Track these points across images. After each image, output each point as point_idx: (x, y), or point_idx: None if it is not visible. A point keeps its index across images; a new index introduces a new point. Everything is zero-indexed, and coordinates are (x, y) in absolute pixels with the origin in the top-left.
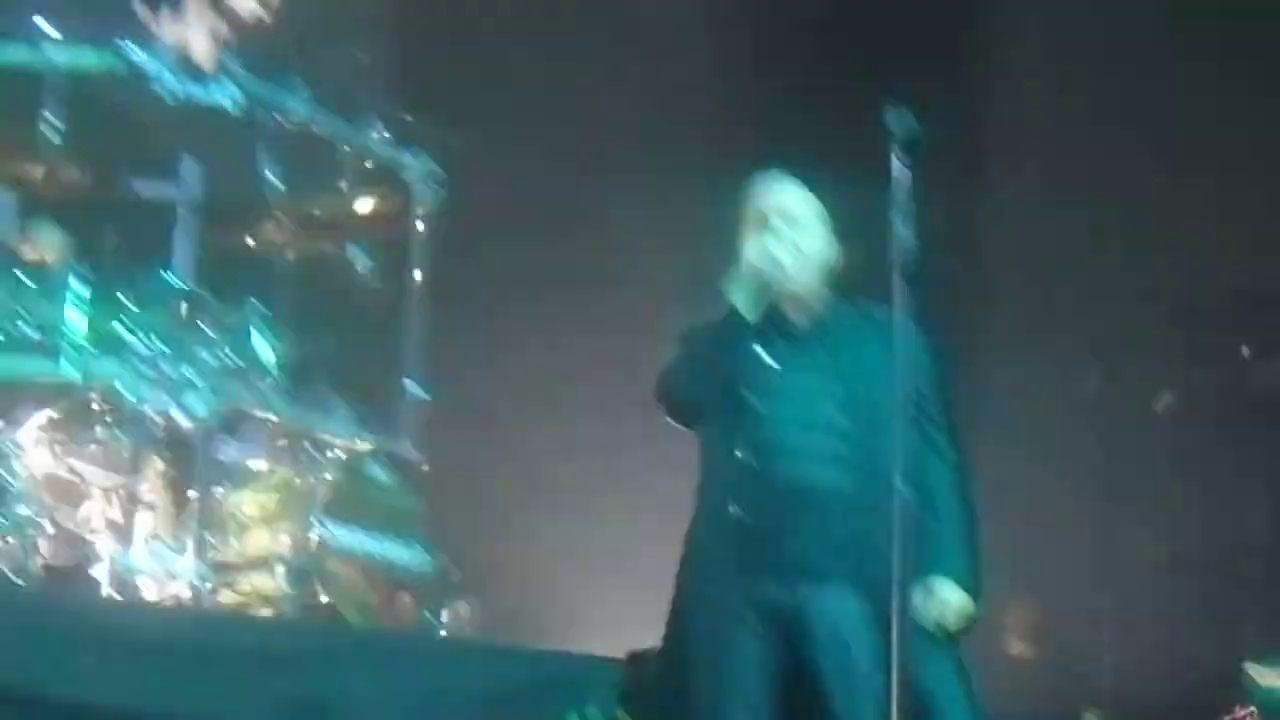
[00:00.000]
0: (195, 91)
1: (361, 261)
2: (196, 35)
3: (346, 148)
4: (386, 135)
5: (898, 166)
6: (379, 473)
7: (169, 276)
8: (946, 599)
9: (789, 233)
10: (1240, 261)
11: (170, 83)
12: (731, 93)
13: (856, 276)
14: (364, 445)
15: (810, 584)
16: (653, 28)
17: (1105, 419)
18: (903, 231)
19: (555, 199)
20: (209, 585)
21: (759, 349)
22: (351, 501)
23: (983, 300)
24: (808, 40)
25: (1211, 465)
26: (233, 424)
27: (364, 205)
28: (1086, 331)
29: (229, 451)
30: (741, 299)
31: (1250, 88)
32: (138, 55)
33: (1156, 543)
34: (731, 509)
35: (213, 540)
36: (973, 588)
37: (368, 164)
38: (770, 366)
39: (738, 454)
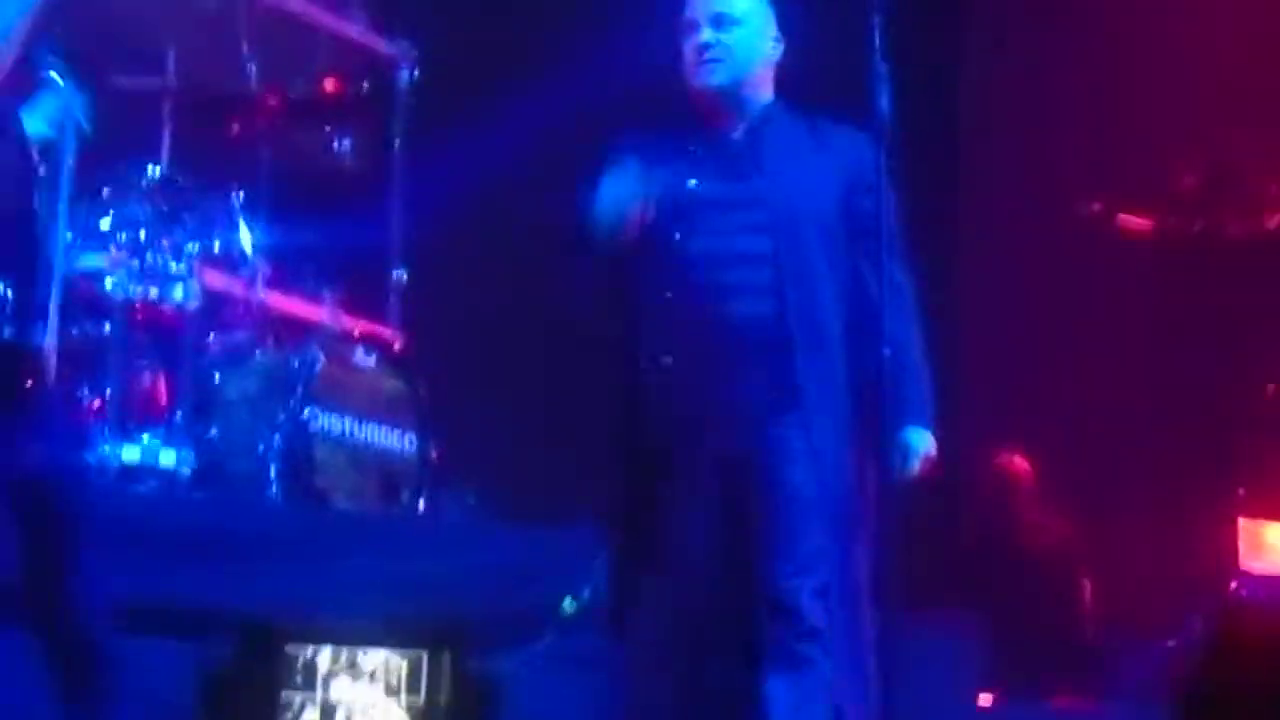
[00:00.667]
0: None
1: (342, 145)
2: None
3: (325, 32)
4: (365, 18)
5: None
6: (365, 358)
7: (150, 167)
8: (918, 448)
9: (716, 33)
10: None
11: None
12: None
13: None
14: (349, 329)
15: (758, 430)
16: None
17: None
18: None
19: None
20: (195, 468)
21: (681, 170)
22: (338, 386)
23: None
24: None
25: None
26: (216, 310)
27: (342, 88)
28: None
29: (213, 338)
30: (665, 113)
31: None
32: None
33: None
34: (667, 358)
35: (199, 425)
36: (932, 428)
37: (346, 47)
38: (693, 191)
39: (665, 294)
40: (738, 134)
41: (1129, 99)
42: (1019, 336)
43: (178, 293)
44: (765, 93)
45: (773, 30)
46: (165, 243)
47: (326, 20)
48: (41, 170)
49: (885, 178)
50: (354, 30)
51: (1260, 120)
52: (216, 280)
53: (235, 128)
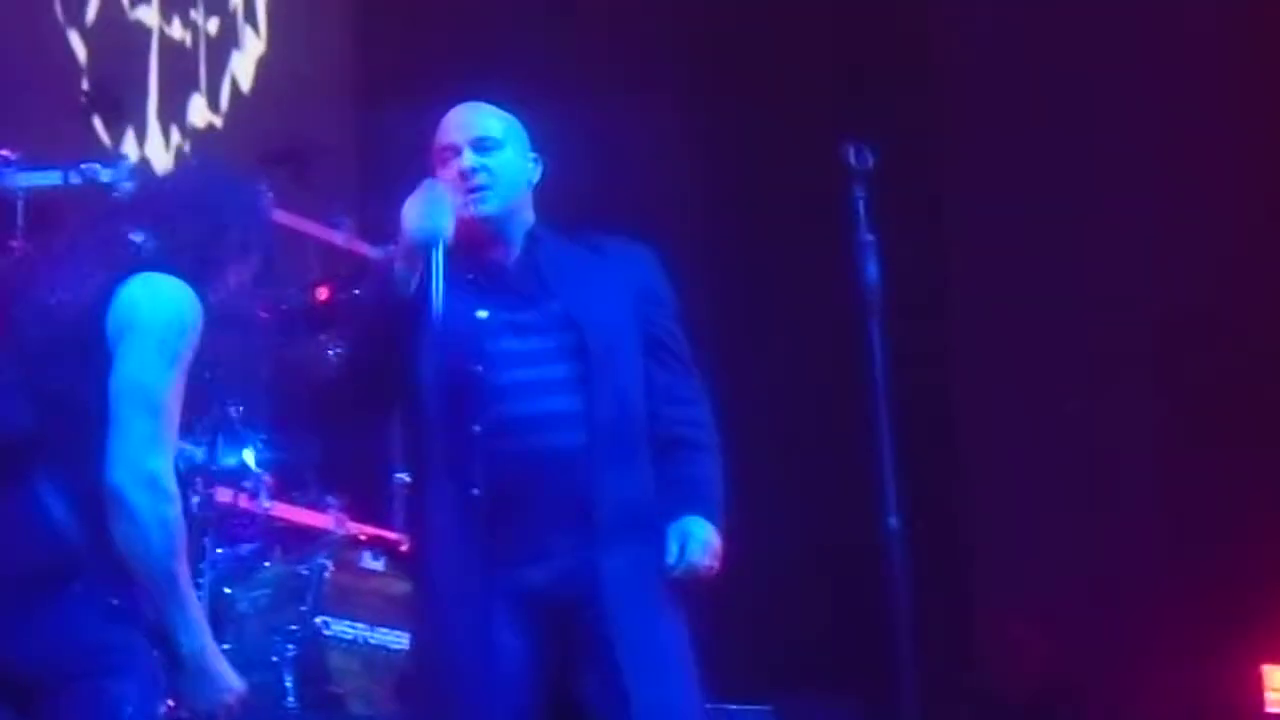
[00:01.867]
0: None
1: (337, 354)
2: (156, 150)
3: (313, 241)
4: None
5: (857, 199)
6: (373, 561)
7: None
8: (699, 536)
9: (480, 158)
10: None
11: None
12: None
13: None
14: (355, 534)
15: (574, 560)
16: None
17: None
18: (870, 267)
19: None
20: None
21: (467, 301)
22: (348, 592)
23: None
24: None
25: None
26: (222, 524)
27: (333, 296)
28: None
29: (221, 552)
30: (404, 281)
31: None
32: (100, 173)
33: None
34: (475, 490)
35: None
36: (719, 524)
37: (335, 255)
38: (485, 322)
39: (474, 427)
40: (511, 261)
41: None
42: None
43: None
44: (529, 215)
45: (530, 151)
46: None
47: (313, 229)
48: None
49: (670, 290)
50: (340, 238)
51: None
52: (221, 494)
53: (228, 342)
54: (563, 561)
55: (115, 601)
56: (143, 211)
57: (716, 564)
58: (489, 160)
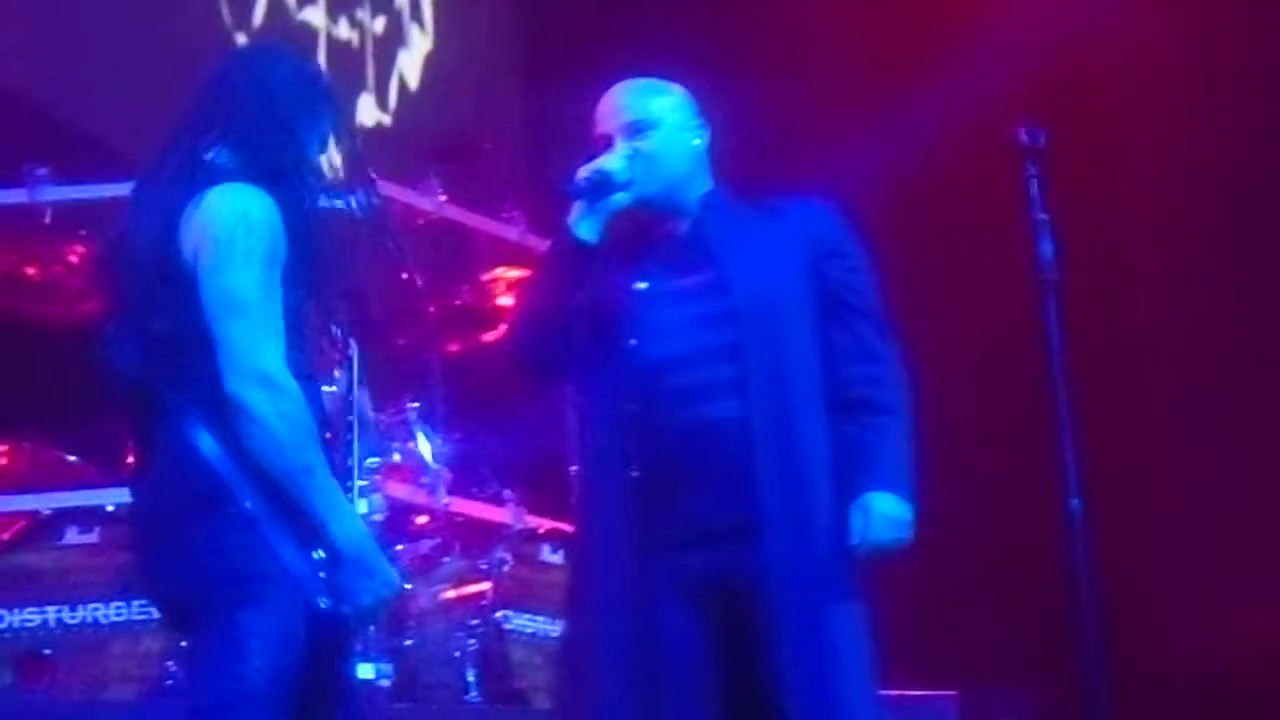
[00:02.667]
0: (331, 200)
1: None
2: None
3: (485, 236)
4: (523, 218)
5: (1030, 179)
6: (551, 554)
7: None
8: (883, 513)
9: (634, 143)
10: None
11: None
12: None
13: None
14: (533, 527)
15: (738, 541)
16: None
17: None
18: (1044, 246)
19: None
20: (394, 680)
21: (627, 274)
22: (528, 585)
23: None
24: None
25: None
26: (402, 521)
27: (504, 290)
28: None
29: (401, 549)
30: (582, 224)
31: None
32: None
33: None
34: (634, 472)
35: (394, 637)
36: (909, 497)
37: (507, 249)
38: (642, 293)
39: (628, 405)
40: (682, 230)
41: None
42: None
43: (362, 506)
44: (702, 182)
45: (693, 120)
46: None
47: (486, 224)
48: None
49: (854, 242)
50: (513, 232)
51: None
52: (399, 491)
53: (402, 340)
54: (725, 541)
55: (260, 523)
56: (209, 122)
57: (907, 536)
58: (642, 144)
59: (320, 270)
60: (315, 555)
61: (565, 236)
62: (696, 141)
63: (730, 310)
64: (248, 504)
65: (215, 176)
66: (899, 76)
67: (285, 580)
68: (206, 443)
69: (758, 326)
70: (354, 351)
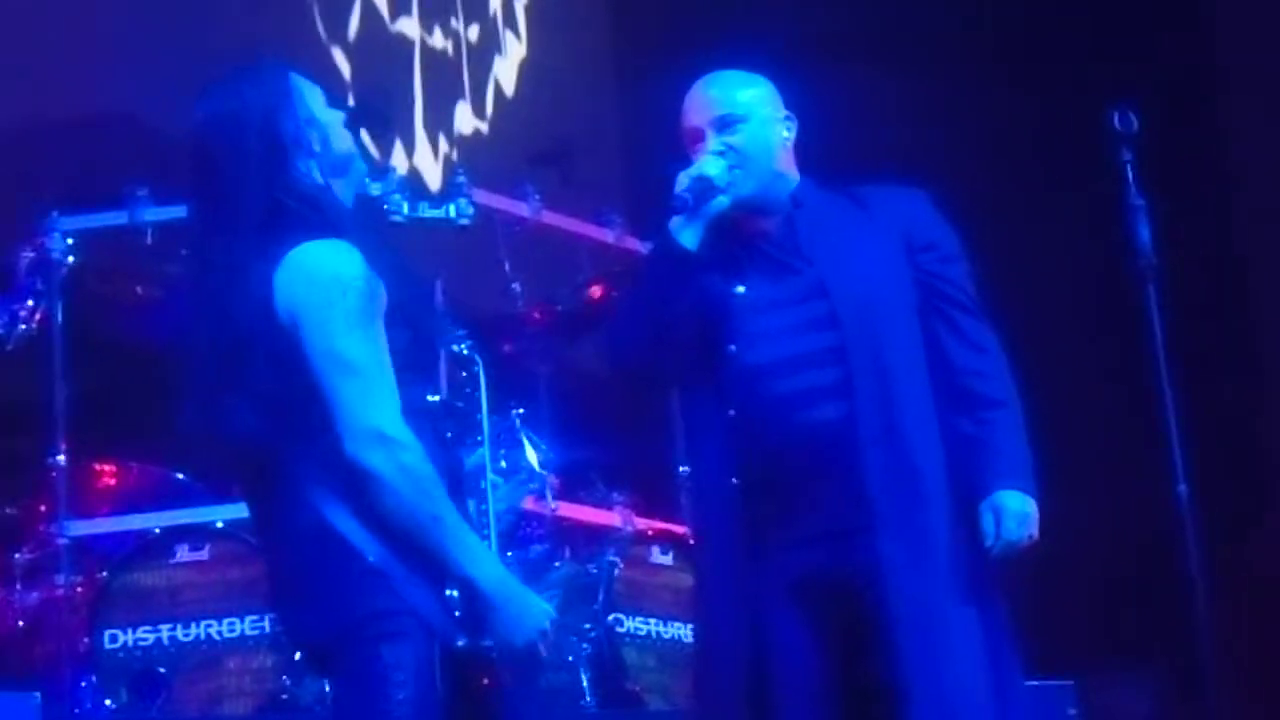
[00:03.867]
0: (429, 210)
1: None
2: (425, 160)
3: (585, 241)
4: (621, 221)
5: (1125, 163)
6: (661, 556)
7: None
8: (1014, 511)
9: (725, 138)
10: None
11: (400, 204)
12: None
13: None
14: (643, 530)
15: (850, 541)
16: None
17: None
18: (1142, 231)
19: None
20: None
21: (724, 277)
22: (639, 588)
23: None
24: None
25: None
26: (511, 528)
27: (607, 295)
28: None
29: (511, 555)
30: (684, 231)
31: None
32: (370, 186)
33: None
34: (734, 479)
35: None
36: (1032, 491)
37: (607, 253)
38: (742, 297)
39: (729, 412)
40: (774, 227)
41: None
42: None
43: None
44: (791, 175)
45: (781, 111)
46: None
47: (585, 229)
48: None
49: (946, 231)
50: (611, 235)
51: None
52: (509, 494)
53: (506, 347)
54: (835, 543)
55: (387, 573)
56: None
57: (1036, 532)
58: (734, 138)
59: (417, 300)
60: (448, 594)
61: (667, 245)
62: (786, 133)
63: (830, 313)
64: (371, 559)
65: (292, 233)
66: (987, 64)
67: (417, 622)
68: (323, 501)
69: (858, 328)
70: (479, 368)
